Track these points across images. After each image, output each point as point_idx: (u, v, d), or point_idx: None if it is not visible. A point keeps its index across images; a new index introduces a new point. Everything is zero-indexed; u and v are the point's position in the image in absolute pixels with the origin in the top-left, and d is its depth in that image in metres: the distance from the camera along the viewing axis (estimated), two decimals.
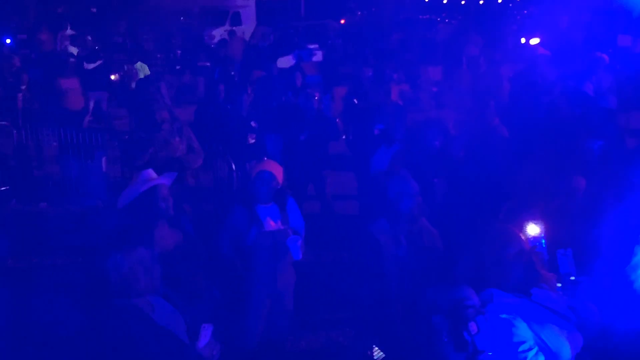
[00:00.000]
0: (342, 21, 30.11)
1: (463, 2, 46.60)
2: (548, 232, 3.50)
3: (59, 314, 4.88)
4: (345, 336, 5.35)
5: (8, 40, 15.92)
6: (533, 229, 3.47)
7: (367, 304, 4.05)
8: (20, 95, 10.17)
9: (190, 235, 4.08)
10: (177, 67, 17.66)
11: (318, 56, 18.76)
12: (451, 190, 5.15)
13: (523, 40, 17.42)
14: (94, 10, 28.38)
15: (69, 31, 17.31)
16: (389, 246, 3.97)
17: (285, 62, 15.22)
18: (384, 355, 3.89)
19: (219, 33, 23.55)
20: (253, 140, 7.78)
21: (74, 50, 15.41)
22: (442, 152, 5.57)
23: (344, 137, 8.62)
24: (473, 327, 2.62)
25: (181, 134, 6.42)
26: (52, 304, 5.20)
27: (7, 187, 8.92)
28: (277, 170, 4.63)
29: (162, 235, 3.87)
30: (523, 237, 3.16)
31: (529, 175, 5.54)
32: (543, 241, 3.45)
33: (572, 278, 3.46)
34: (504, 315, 2.78)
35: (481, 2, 44.15)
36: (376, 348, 3.90)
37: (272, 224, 4.53)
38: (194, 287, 3.79)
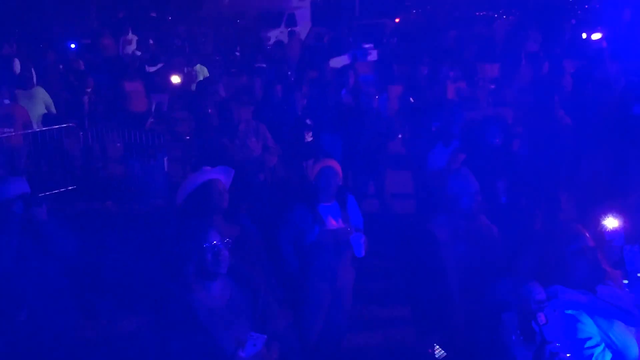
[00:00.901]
0: (397, 20, 29.95)
1: None
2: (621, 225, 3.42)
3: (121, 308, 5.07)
4: (405, 334, 5.34)
5: (73, 45, 16.55)
6: (611, 222, 3.39)
7: (427, 301, 4.03)
8: (86, 98, 10.55)
9: (248, 230, 4.13)
10: (234, 70, 17.96)
11: (373, 55, 18.71)
12: (515, 187, 5.07)
13: (584, 35, 16.97)
14: (154, 14, 29.12)
15: (130, 35, 17.81)
16: (448, 243, 3.95)
17: (340, 61, 15.25)
18: (445, 354, 3.88)
19: (274, 34, 23.81)
20: (310, 139, 7.84)
21: (136, 53, 15.91)
22: (503, 149, 5.50)
23: (400, 136, 8.61)
24: (541, 317, 2.60)
25: (257, 133, 6.52)
26: (120, 303, 5.39)
27: (74, 187, 9.27)
28: (338, 167, 4.68)
29: (218, 229, 3.93)
30: (588, 234, 3.10)
31: (595, 171, 5.43)
32: (620, 235, 3.36)
33: (639, 275, 3.36)
34: (569, 311, 2.75)
35: None
36: (437, 347, 3.90)
37: (333, 223, 4.56)
38: (252, 282, 3.84)
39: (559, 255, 2.97)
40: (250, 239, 4.08)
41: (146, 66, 12.64)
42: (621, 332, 2.76)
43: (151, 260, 3.53)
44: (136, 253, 6.62)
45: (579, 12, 26.27)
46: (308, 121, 8.12)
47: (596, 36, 15.99)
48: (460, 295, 3.91)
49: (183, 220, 3.50)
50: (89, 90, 10.66)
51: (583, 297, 2.82)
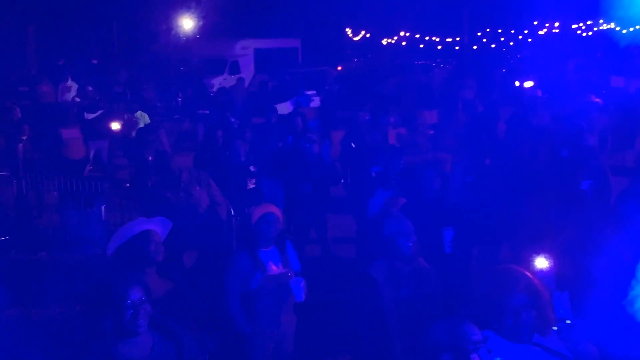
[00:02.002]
0: (339, 67, 30.59)
1: (457, 48, 47.46)
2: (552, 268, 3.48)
3: None
4: None
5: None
6: (542, 263, 3.44)
7: (367, 345, 4.02)
8: (20, 145, 10.27)
9: (180, 284, 4.03)
10: (176, 116, 17.88)
11: (316, 102, 19.01)
12: (455, 232, 5.15)
13: (517, 83, 17.70)
14: (95, 61, 28.85)
15: (69, 82, 17.56)
16: (387, 287, 3.97)
17: (283, 108, 15.42)
18: None
19: (218, 81, 23.91)
20: (253, 185, 7.83)
21: (75, 100, 15.66)
22: (441, 194, 5.61)
23: (342, 180, 8.69)
24: (476, 359, 2.60)
25: (200, 182, 6.42)
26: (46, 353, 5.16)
27: (7, 237, 8.93)
28: (278, 213, 4.68)
29: (150, 282, 3.82)
30: (532, 277, 3.08)
31: (529, 214, 5.57)
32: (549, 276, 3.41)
33: (568, 322, 3.38)
34: (499, 359, 2.76)
35: (475, 47, 44.93)
36: None
37: (274, 268, 4.55)
38: (176, 335, 3.74)
39: (498, 305, 2.92)
40: (183, 291, 3.98)
41: (85, 113, 12.44)
42: None
43: (78, 313, 3.41)
44: (67, 305, 6.40)
45: (512, 61, 27.47)
46: (251, 168, 8.12)
47: (528, 84, 16.71)
48: (400, 339, 3.91)
49: (111, 272, 3.40)
50: (24, 137, 10.38)
51: (512, 344, 2.82)
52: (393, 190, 6.13)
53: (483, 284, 3.06)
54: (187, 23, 30.25)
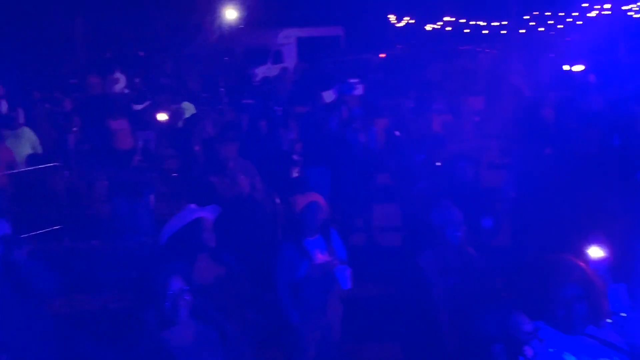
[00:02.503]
0: (382, 55, 30.34)
1: (503, 32, 46.49)
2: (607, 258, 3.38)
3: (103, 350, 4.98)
4: None
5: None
6: (596, 252, 3.35)
7: (416, 335, 3.99)
8: (72, 137, 10.55)
9: (232, 269, 4.10)
10: (220, 106, 18.05)
11: (359, 90, 18.90)
12: (500, 221, 5.08)
13: (567, 67, 17.25)
14: (142, 53, 29.34)
15: (117, 74, 17.91)
16: (436, 277, 3.93)
17: (326, 96, 15.38)
18: None
19: (261, 71, 24.02)
20: (297, 174, 7.85)
21: (123, 92, 15.98)
22: (474, 184, 5.56)
23: (386, 168, 8.64)
24: (529, 350, 2.55)
25: (246, 170, 6.53)
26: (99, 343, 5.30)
27: (60, 226, 9.19)
28: (322, 202, 4.69)
29: (202, 268, 3.90)
30: (585, 267, 3.00)
31: (581, 203, 5.43)
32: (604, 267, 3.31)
33: (624, 315, 3.28)
34: (551, 350, 2.69)
35: (521, 31, 43.95)
36: None
37: (320, 256, 4.56)
38: (237, 320, 3.80)
39: (550, 295, 2.84)
40: (235, 276, 4.05)
41: (133, 104, 12.68)
42: None
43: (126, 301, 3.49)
44: (118, 293, 6.56)
45: (560, 45, 26.77)
46: (295, 157, 8.14)
47: (578, 68, 16.26)
48: (449, 329, 3.87)
49: (155, 262, 3.47)
50: (75, 129, 10.67)
51: (564, 335, 2.75)
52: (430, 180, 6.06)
53: (535, 274, 2.97)
54: (230, 14, 30.46)
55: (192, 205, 4.07)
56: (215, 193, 6.28)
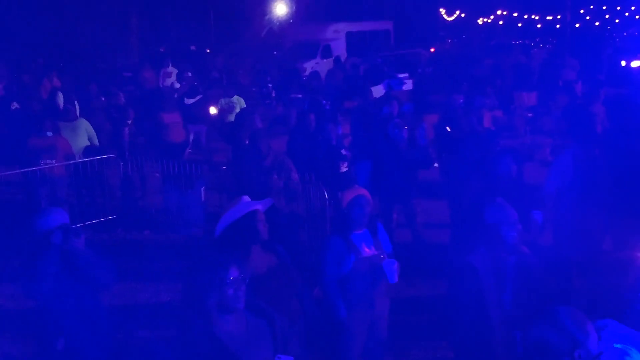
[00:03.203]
0: (432, 49, 30.02)
1: (558, 26, 45.38)
2: None
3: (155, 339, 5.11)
4: None
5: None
6: None
7: (467, 334, 3.95)
8: (126, 129, 10.79)
9: (284, 260, 4.16)
10: (268, 101, 18.19)
11: (408, 85, 18.76)
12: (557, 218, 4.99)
13: (624, 63, 16.75)
14: (193, 47, 29.80)
15: (170, 68, 18.23)
16: (489, 276, 3.87)
17: (376, 91, 15.33)
18: None
19: (310, 65, 24.09)
20: (345, 169, 7.86)
21: (175, 85, 16.26)
22: (518, 179, 5.49)
23: (436, 165, 8.56)
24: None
25: (281, 169, 6.61)
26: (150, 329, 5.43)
27: (114, 216, 9.45)
28: (369, 196, 4.70)
29: (255, 258, 3.98)
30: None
31: (633, 202, 5.29)
32: None
33: None
34: (618, 345, 2.65)
35: (577, 25, 42.81)
36: None
37: (367, 250, 4.57)
38: (287, 310, 3.85)
39: (624, 293, 2.82)
40: (286, 267, 4.12)
41: (185, 98, 12.90)
42: None
43: (180, 291, 3.56)
44: (170, 283, 6.70)
45: (617, 39, 25.97)
46: (343, 151, 8.16)
47: (636, 64, 15.76)
48: (502, 331, 3.80)
49: (214, 251, 3.55)
50: (129, 122, 10.91)
51: (633, 331, 2.70)
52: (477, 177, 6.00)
53: (605, 273, 2.94)
54: (279, 8, 30.66)
55: (246, 198, 4.14)
56: (265, 186, 6.38)
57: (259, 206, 4.09)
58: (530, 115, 13.94)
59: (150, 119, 11.18)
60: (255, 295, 3.13)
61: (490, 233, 3.92)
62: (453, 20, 50.16)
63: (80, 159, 9.50)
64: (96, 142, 10.01)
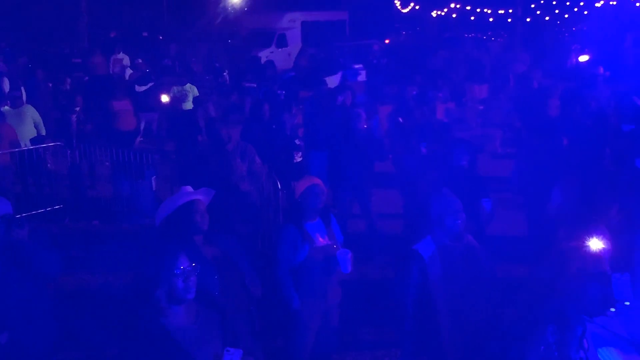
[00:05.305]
0: (387, 41, 30.18)
1: (509, 20, 46.24)
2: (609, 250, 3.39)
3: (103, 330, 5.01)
4: (391, 356, 5.31)
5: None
6: (596, 244, 3.35)
7: (414, 321, 3.99)
8: (74, 116, 10.50)
9: (226, 251, 4.09)
10: (223, 89, 17.99)
11: (363, 76, 18.83)
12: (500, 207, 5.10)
13: (573, 59, 17.15)
14: (145, 34, 29.21)
15: (121, 55, 17.84)
16: (434, 265, 3.93)
17: (330, 82, 15.32)
18: None
19: (265, 54, 23.93)
20: (300, 159, 7.84)
21: (126, 72, 15.92)
22: (472, 169, 5.60)
23: (390, 156, 8.62)
24: (586, 343, 2.56)
25: (244, 155, 6.54)
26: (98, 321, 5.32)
27: (61, 206, 9.20)
28: (323, 186, 4.69)
29: (197, 250, 3.90)
30: (592, 256, 3.03)
31: (581, 194, 5.41)
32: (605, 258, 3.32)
33: (627, 303, 3.29)
34: (601, 349, 2.71)
35: (528, 19, 43.69)
36: None
37: (321, 240, 4.57)
38: (234, 302, 3.80)
39: (572, 277, 2.91)
40: (229, 260, 4.05)
41: (136, 85, 12.64)
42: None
43: (128, 282, 3.49)
44: (119, 273, 6.57)
45: (566, 34, 26.62)
46: (297, 141, 8.12)
47: (584, 58, 16.17)
48: (447, 317, 3.87)
49: (161, 242, 3.47)
50: (77, 109, 10.62)
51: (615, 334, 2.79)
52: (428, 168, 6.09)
53: (547, 262, 3.02)
54: None
55: (187, 188, 4.06)
56: (213, 176, 6.28)
57: (199, 196, 4.01)
58: (481, 107, 14.18)
59: (99, 106, 10.91)
60: (205, 285, 3.08)
61: (435, 222, 3.99)
62: (408, 12, 50.52)
63: (26, 146, 9.22)
64: (43, 129, 9.72)
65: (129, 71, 15.91)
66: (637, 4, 43.23)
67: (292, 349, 4.68)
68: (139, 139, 11.86)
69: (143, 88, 12.52)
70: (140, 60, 15.61)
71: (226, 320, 3.07)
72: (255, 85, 14.99)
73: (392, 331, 5.36)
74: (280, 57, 24.00)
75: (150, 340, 2.81)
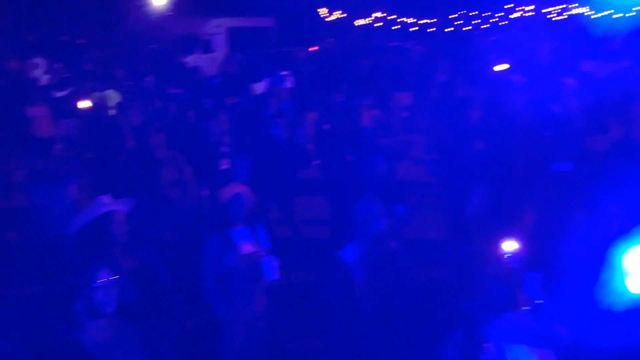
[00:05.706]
0: (314, 48, 30.34)
1: (430, 30, 47.58)
2: (522, 251, 3.52)
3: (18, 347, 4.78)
4: None
5: None
6: (510, 246, 3.47)
7: (339, 328, 4.02)
8: None
9: (146, 262, 4.00)
10: (147, 95, 17.58)
11: (289, 82, 18.85)
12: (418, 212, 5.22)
13: (493, 67, 17.74)
14: (65, 38, 28.22)
15: (38, 59, 17.15)
16: (358, 270, 3.97)
17: (257, 88, 15.26)
18: None
19: (190, 60, 23.59)
20: (226, 166, 7.76)
21: (43, 77, 15.32)
22: (388, 176, 5.73)
23: (315, 162, 8.66)
24: (490, 347, 2.62)
25: (174, 163, 6.42)
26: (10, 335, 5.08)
27: None
28: (248, 193, 4.68)
29: (115, 262, 3.79)
30: (500, 257, 3.15)
31: (500, 198, 5.61)
32: (518, 259, 3.44)
33: (539, 302, 3.44)
34: (508, 344, 2.78)
35: (449, 29, 45.06)
36: None
37: (246, 247, 4.55)
38: (157, 314, 3.72)
39: (479, 278, 3.01)
40: (149, 271, 3.96)
41: (54, 91, 12.18)
42: (524, 356, 2.81)
43: (44, 295, 3.35)
44: (36, 286, 6.30)
45: (485, 44, 27.59)
46: (223, 148, 8.05)
47: (502, 67, 16.77)
48: (372, 322, 3.92)
49: (79, 254, 3.35)
50: None
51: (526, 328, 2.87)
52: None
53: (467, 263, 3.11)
54: (158, 0, 29.72)
55: (105, 198, 3.94)
56: (135, 184, 6.15)
57: (118, 206, 3.89)
58: (406, 114, 14.48)
59: (15, 112, 10.45)
60: (124, 297, 2.99)
61: (359, 228, 4.04)
62: (333, 20, 51.02)
63: None
64: None
65: (46, 76, 15.33)
66: (549, 16, 45.37)
67: (218, 357, 4.62)
68: (58, 146, 11.43)
69: (62, 93, 12.07)
70: (59, 65, 15.06)
71: (147, 334, 2.99)
72: (180, 92, 14.74)
73: (318, 340, 5.38)
74: (206, 62, 23.73)
75: (67, 358, 2.70)
